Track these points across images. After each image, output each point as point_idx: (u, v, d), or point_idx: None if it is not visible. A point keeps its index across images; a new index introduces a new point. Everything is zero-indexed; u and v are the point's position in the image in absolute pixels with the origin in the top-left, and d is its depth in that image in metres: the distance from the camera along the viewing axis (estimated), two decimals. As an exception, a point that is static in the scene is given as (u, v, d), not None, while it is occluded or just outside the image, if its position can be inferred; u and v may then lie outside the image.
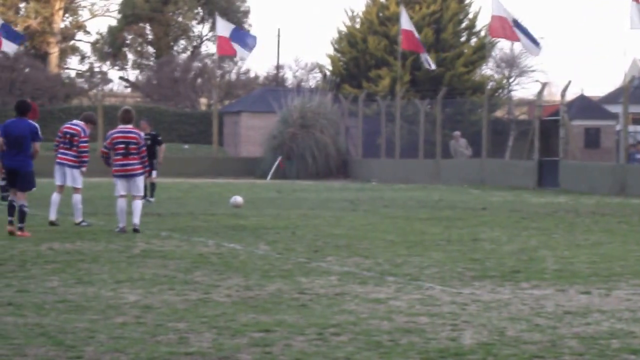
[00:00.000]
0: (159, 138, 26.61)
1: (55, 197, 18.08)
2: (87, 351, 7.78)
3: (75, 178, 18.13)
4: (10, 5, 63.74)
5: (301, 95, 45.11)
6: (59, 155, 18.20)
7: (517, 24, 36.71)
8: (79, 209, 18.07)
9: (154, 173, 25.69)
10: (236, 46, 44.26)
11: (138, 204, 16.98)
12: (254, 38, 45.70)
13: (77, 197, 18.02)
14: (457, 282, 11.68)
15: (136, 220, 16.93)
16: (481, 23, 53.62)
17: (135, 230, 16.74)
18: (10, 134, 16.18)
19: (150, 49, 66.29)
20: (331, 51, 54.35)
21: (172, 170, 42.83)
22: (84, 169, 18.27)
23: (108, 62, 66.83)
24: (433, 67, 42.73)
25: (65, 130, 18.28)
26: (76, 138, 18.12)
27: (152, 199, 25.27)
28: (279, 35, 65.66)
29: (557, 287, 11.32)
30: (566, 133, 35.10)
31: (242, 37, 45.20)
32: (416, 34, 41.30)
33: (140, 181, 17.02)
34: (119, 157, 16.83)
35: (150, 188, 25.42)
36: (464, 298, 10.47)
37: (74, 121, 18.58)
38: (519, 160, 38.66)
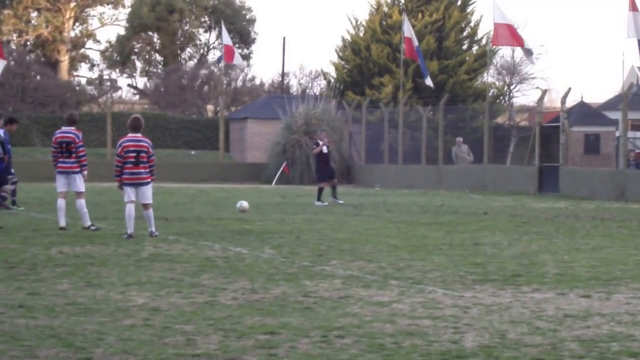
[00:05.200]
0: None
1: (61, 202, 18.22)
2: (97, 353, 7.84)
3: (78, 183, 18.29)
4: (22, 15, 64.09)
5: (306, 102, 45.22)
6: (60, 165, 18.28)
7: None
8: (85, 213, 18.20)
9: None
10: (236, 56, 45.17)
11: (150, 213, 17.10)
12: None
13: (81, 202, 18.15)
14: (459, 285, 11.73)
15: (152, 228, 17.13)
16: (482, 31, 53.89)
17: (153, 235, 16.96)
18: None
19: (158, 57, 66.51)
20: (335, 59, 54.55)
21: (179, 175, 43.06)
22: (85, 172, 18.40)
23: (117, 70, 67.12)
24: (430, 83, 42.56)
25: (59, 140, 18.32)
26: (72, 145, 18.24)
27: (340, 200, 27.39)
28: (284, 44, 65.76)
29: (557, 290, 11.36)
30: (566, 139, 35.19)
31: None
32: (415, 43, 41.28)
33: (148, 189, 17.05)
34: (129, 166, 16.88)
35: (333, 190, 27.88)
36: (465, 301, 10.52)
37: (64, 128, 18.47)
38: (520, 166, 38.76)
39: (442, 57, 51.34)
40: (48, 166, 16.96)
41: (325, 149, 28.57)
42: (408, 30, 41.61)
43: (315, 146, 29.16)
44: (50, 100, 55.84)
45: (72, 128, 18.44)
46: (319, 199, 27.77)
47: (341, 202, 27.57)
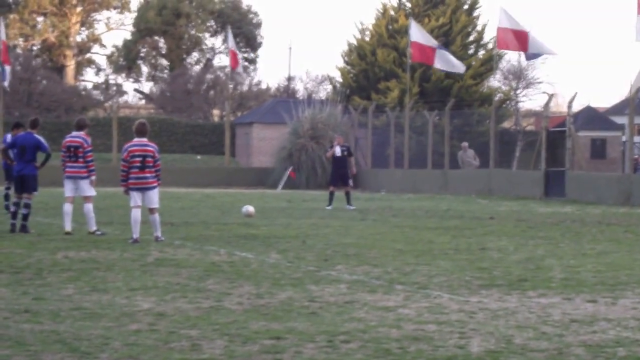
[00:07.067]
0: (351, 150, 29.72)
1: (67, 207, 18.26)
2: (102, 358, 7.87)
3: (85, 188, 18.32)
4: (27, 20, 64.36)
5: (312, 107, 45.29)
6: (68, 169, 18.34)
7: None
8: (92, 218, 18.24)
9: (350, 182, 28.61)
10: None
11: (155, 218, 17.07)
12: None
13: (88, 207, 18.18)
14: (464, 290, 11.74)
15: (157, 233, 17.10)
16: (489, 35, 53.89)
17: (159, 240, 16.94)
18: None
19: (164, 62, 66.67)
20: (341, 63, 54.68)
21: (185, 180, 43.12)
22: (93, 177, 18.43)
23: (123, 75, 67.33)
24: (462, 69, 42.44)
25: (67, 144, 18.38)
26: (80, 150, 18.29)
27: (352, 207, 27.37)
28: (290, 48, 65.96)
29: (563, 295, 11.37)
30: (573, 144, 35.18)
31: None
32: (433, 42, 41.21)
33: (154, 194, 17.04)
34: (135, 170, 16.90)
35: (347, 197, 27.88)
36: (471, 306, 10.54)
37: (73, 133, 18.51)
38: (526, 170, 38.78)
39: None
40: (53, 171, 16.98)
41: (338, 152, 28.43)
42: (415, 35, 41.58)
43: (329, 149, 29.15)
44: (56, 105, 56.05)
45: (82, 133, 18.50)
46: (329, 204, 27.76)
47: (353, 208, 27.35)
